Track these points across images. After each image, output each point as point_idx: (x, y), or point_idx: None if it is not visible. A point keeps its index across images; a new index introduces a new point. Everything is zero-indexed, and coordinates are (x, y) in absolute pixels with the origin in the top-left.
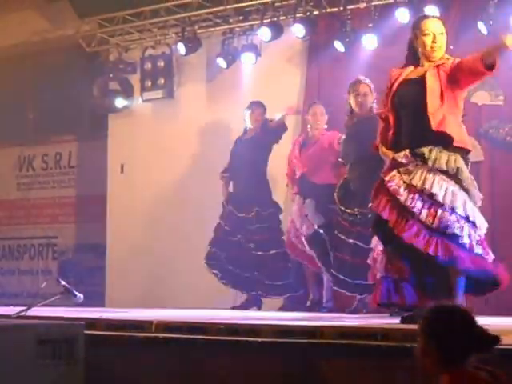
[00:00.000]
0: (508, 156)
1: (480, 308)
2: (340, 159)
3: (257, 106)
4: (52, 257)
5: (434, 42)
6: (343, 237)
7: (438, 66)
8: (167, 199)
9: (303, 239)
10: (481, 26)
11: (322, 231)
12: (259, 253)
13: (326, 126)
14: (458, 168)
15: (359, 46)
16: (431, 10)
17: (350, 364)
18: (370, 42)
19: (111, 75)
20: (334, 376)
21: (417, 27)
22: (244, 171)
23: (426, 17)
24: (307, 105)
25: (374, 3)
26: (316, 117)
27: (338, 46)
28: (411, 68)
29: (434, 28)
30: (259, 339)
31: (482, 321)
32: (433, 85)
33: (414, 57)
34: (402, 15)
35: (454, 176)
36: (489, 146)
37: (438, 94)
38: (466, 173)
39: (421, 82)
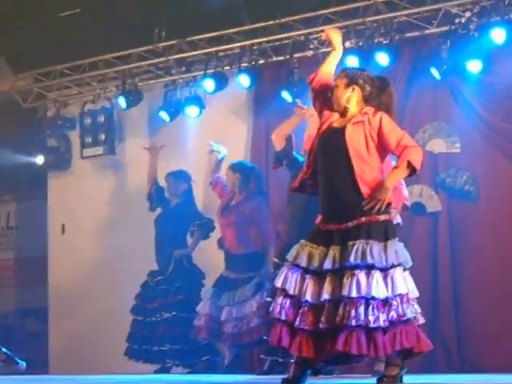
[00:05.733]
0: (466, 205)
1: (443, 365)
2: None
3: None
4: None
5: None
6: None
7: (360, 122)
8: (108, 260)
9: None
10: (433, 71)
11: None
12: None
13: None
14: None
15: (307, 95)
16: (381, 57)
17: None
18: None
19: (49, 132)
20: None
21: None
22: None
23: None
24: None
25: (321, 50)
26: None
27: (286, 95)
28: (337, 115)
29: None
30: None
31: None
32: (355, 146)
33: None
34: (352, 62)
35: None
36: (446, 195)
37: (362, 154)
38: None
39: (341, 138)
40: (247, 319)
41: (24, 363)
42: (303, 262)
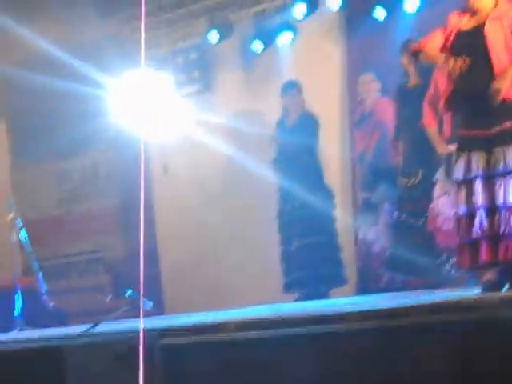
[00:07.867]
0: None
1: None
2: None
3: (288, 89)
4: (103, 270)
5: None
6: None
7: (498, 18)
8: (215, 195)
9: None
10: None
11: None
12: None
13: (379, 94)
14: None
15: (400, 10)
16: None
17: (443, 342)
18: (411, 4)
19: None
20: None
21: None
22: (291, 160)
23: None
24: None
25: None
26: (365, 86)
27: (378, 12)
28: (467, 17)
29: None
30: (352, 325)
31: None
32: (496, 44)
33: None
34: None
35: None
36: None
37: (502, 52)
38: None
39: (480, 37)
40: None
41: (151, 302)
42: (460, 175)
